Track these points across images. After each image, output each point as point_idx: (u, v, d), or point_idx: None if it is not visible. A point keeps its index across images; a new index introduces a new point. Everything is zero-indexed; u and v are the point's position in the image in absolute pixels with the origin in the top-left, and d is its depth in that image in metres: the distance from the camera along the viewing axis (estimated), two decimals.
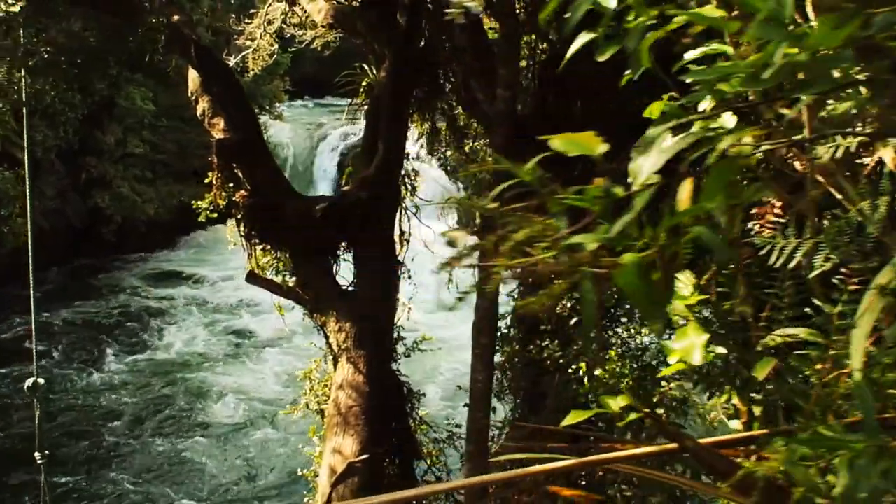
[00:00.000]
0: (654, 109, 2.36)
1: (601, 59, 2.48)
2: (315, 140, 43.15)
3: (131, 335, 27.98)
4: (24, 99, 10.54)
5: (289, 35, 16.65)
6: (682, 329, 2.21)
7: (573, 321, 6.98)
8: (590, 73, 7.30)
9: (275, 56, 16.28)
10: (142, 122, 34.51)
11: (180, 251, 36.77)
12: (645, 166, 1.98)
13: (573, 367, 6.88)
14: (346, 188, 11.07)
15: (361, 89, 12.63)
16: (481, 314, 6.55)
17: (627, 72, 2.49)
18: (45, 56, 8.39)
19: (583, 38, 2.46)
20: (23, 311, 29.02)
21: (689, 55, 2.44)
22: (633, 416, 2.68)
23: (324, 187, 41.31)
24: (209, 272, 33.77)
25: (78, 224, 33.62)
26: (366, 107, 13.11)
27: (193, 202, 11.38)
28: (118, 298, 31.03)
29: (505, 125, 6.19)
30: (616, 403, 2.46)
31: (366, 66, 12.48)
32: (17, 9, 7.87)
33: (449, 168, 42.08)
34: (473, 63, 10.09)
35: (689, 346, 2.15)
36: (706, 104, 2.24)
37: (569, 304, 6.98)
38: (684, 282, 2.08)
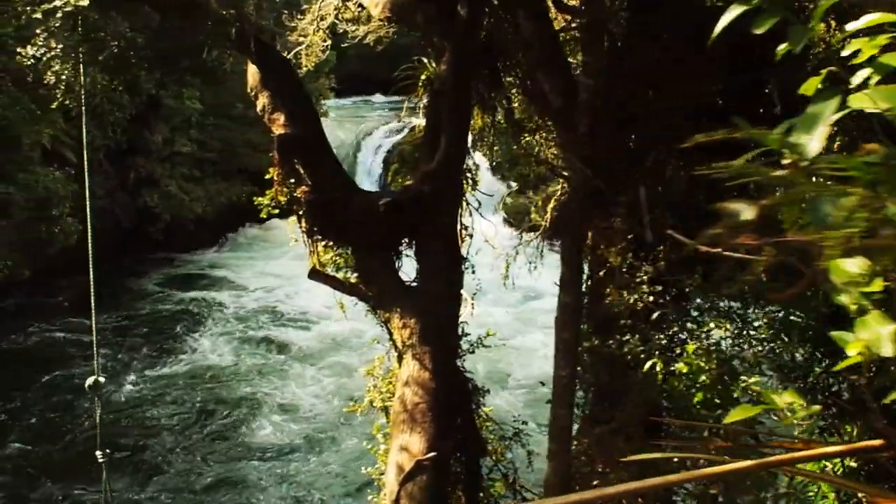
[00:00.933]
0: (809, 86, 2.25)
1: (759, 31, 2.36)
2: (358, 138, 43.16)
3: (175, 339, 28.02)
4: (82, 96, 10.47)
5: (341, 31, 16.54)
6: (862, 319, 2.06)
7: (654, 315, 6.82)
8: (655, 61, 7.17)
9: (326, 52, 16.14)
10: (188, 120, 34.68)
11: (226, 250, 36.92)
12: (812, 142, 2.00)
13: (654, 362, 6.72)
14: (407, 183, 10.92)
15: (420, 84, 12.49)
16: (565, 309, 6.40)
17: (783, 45, 2.39)
18: (115, 51, 8.28)
19: (736, 10, 2.37)
20: (70, 312, 29.30)
21: (851, 26, 2.31)
22: (814, 408, 2.53)
23: (367, 185, 41.30)
24: (251, 275, 33.91)
25: (126, 223, 33.80)
26: (424, 101, 13.02)
27: (255, 199, 11.26)
28: (164, 300, 31.14)
29: (588, 114, 6.03)
30: (782, 400, 2.31)
31: (425, 60, 12.33)
32: (85, 2, 7.80)
33: (494, 164, 42.01)
34: (540, 55, 9.95)
35: (875, 336, 2.01)
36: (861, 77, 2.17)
37: (650, 298, 6.83)
38: (860, 266, 1.93)
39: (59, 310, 29.27)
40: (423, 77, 12.68)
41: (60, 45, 8.55)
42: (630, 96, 9.16)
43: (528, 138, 14.20)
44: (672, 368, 6.90)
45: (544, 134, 13.16)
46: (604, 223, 8.99)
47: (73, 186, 29.47)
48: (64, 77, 8.88)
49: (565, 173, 14.86)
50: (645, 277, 6.94)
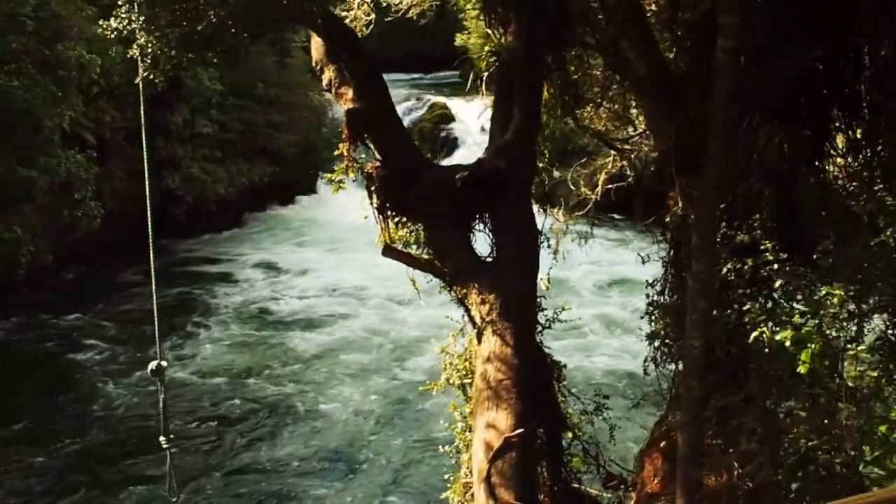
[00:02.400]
0: None
1: None
2: None
3: (196, 326, 27.84)
4: (140, 74, 10.21)
5: (384, 3, 16.26)
6: None
7: (777, 283, 6.66)
8: (743, 25, 6.97)
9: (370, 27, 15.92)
10: (209, 101, 34.46)
11: (249, 230, 36.81)
12: None
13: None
14: (481, 156, 10.72)
15: (483, 56, 12.31)
16: (698, 277, 6.23)
17: None
18: (214, 21, 8.05)
19: None
20: (99, 296, 29.19)
21: None
22: None
23: None
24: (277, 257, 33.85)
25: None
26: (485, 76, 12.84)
27: (323, 174, 11.09)
28: (195, 281, 31.03)
29: (728, 79, 5.83)
30: None
31: (490, 32, 12.15)
32: None
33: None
34: (624, 23, 9.75)
35: None
36: None
37: (776, 266, 6.67)
38: None
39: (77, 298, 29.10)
40: (485, 50, 12.51)
41: (143, 18, 8.31)
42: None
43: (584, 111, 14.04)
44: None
45: (609, 104, 13.02)
46: (695, 191, 8.81)
47: (95, 169, 29.29)
48: (150, 51, 8.62)
49: (625, 146, 14.77)
50: (769, 245, 6.78)
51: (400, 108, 42.91)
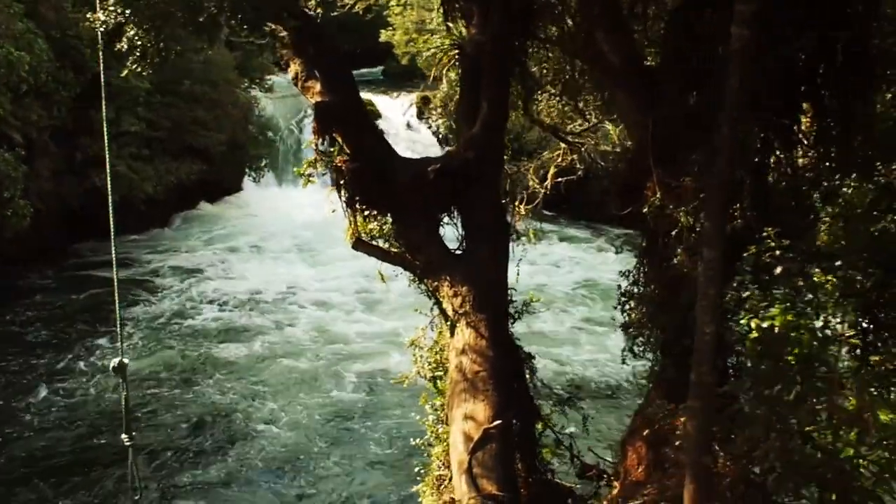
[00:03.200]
0: None
1: None
2: (304, 113, 42.76)
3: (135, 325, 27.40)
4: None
5: None
6: None
7: (777, 269, 6.79)
8: (725, 17, 7.09)
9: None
10: (136, 99, 33.82)
11: (177, 230, 36.41)
12: None
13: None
14: (450, 149, 10.75)
15: (444, 49, 12.34)
16: (709, 265, 6.33)
17: None
18: (212, 11, 7.95)
19: None
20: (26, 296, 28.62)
21: None
22: None
23: None
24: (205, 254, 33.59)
25: (75, 205, 32.92)
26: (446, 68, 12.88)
27: (295, 169, 11.03)
28: (125, 281, 30.47)
29: (740, 68, 5.91)
30: None
31: (450, 25, 12.17)
32: None
33: (441, 136, 41.62)
34: (599, 14, 9.84)
35: None
36: None
37: (778, 252, 6.80)
38: None
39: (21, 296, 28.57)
40: (444, 43, 12.54)
41: (129, 10, 8.19)
42: (692, 56, 9.13)
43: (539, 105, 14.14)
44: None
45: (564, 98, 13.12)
46: (674, 182, 8.95)
47: (24, 168, 28.70)
48: (140, 43, 8.50)
49: (576, 140, 14.90)
50: (771, 231, 6.89)
51: None
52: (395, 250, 10.67)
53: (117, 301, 10.77)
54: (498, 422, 9.11)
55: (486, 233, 10.36)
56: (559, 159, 15.54)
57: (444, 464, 10.62)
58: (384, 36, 38.79)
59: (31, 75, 28.61)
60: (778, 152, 8.91)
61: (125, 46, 8.83)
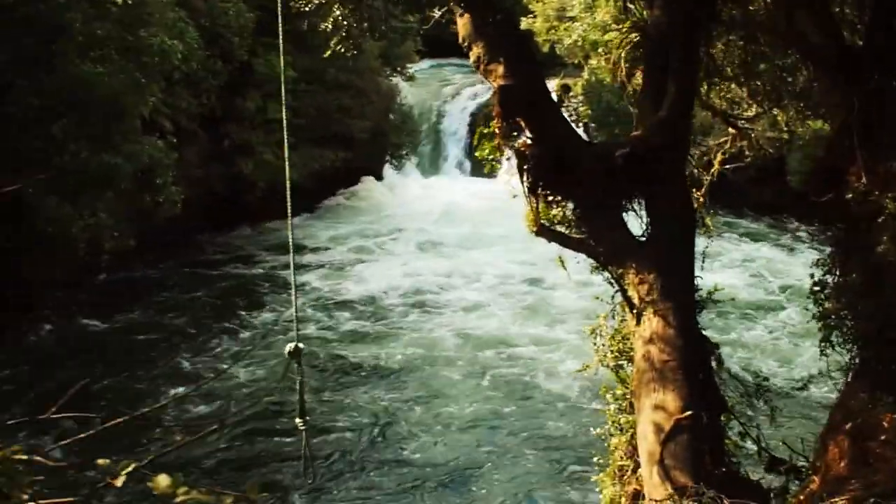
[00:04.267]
0: None
1: None
2: (442, 101, 42.85)
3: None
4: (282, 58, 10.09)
5: None
6: None
7: None
8: None
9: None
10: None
11: (321, 218, 36.74)
12: None
13: None
14: (636, 133, 10.51)
15: (625, 31, 12.09)
16: None
17: None
18: None
19: None
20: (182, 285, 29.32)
21: None
22: None
23: (454, 150, 41.07)
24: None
25: (221, 192, 33.57)
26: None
27: (477, 153, 10.89)
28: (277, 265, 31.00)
29: None
30: None
31: (630, 6, 11.93)
32: None
33: (581, 124, 40.90)
34: None
35: None
36: None
37: None
38: None
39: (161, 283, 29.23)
40: (625, 26, 12.29)
41: None
42: None
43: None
44: None
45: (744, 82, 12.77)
46: (881, 166, 8.61)
47: (175, 155, 29.30)
48: (345, 23, 8.52)
49: (748, 127, 14.49)
50: None
51: (465, 94, 43.03)
52: (578, 237, 10.51)
53: (294, 287, 10.84)
54: (689, 413, 8.93)
55: (673, 219, 10.13)
56: (728, 145, 15.14)
57: (626, 454, 10.46)
58: (524, 24, 38.62)
59: (183, 63, 29.11)
60: None
61: (329, 27, 8.84)
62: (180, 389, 21.64)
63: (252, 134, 34.22)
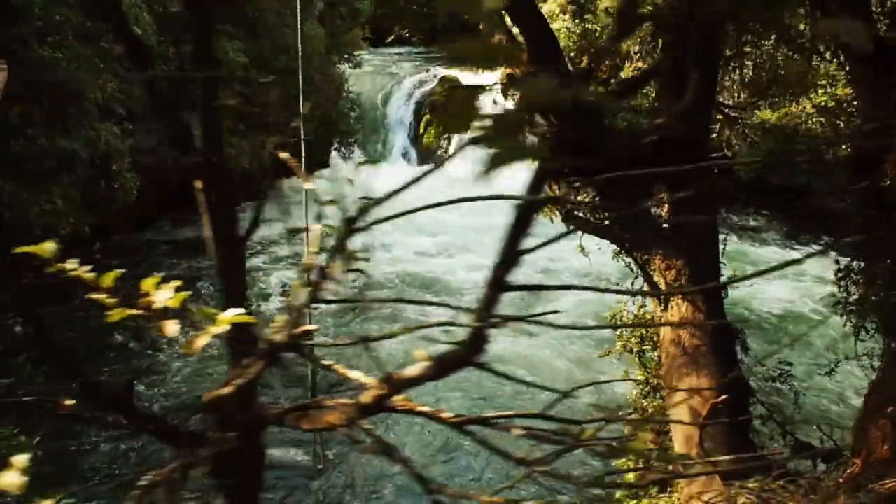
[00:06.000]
0: None
1: None
2: (387, 89, 42.72)
3: None
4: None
5: None
6: None
7: None
8: None
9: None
10: (233, 74, 33.92)
11: (271, 203, 36.44)
12: None
13: None
14: (660, 121, 10.62)
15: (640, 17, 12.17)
16: None
17: None
18: None
19: None
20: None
21: None
22: None
23: (400, 135, 40.98)
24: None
25: (172, 179, 33.22)
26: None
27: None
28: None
29: None
30: None
31: None
32: None
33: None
34: None
35: None
36: None
37: None
38: None
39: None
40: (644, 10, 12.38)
41: None
42: None
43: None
44: None
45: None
46: None
47: (130, 141, 28.90)
48: None
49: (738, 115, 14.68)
50: None
51: (409, 82, 42.91)
52: (600, 223, 10.61)
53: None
54: (725, 396, 9.07)
55: (698, 206, 10.26)
56: (715, 134, 15.33)
57: (650, 438, 10.60)
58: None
59: None
60: None
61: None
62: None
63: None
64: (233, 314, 2.55)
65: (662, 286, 9.87)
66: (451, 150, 39.22)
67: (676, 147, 10.08)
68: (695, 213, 10.20)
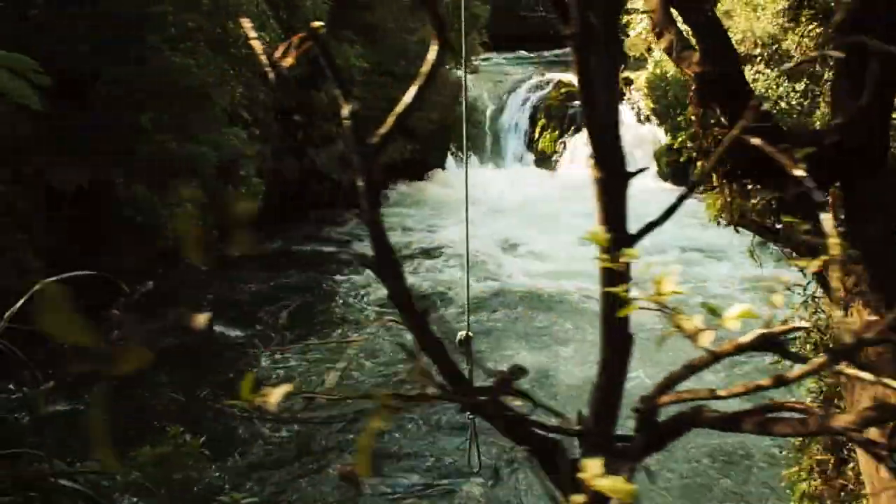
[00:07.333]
0: None
1: None
2: (504, 93, 42.76)
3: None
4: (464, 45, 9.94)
5: None
6: None
7: None
8: None
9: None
10: (353, 79, 34.24)
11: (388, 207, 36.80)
12: None
13: None
14: (837, 121, 10.31)
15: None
16: None
17: None
18: None
19: None
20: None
21: None
22: None
23: (514, 142, 40.98)
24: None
25: (293, 183, 33.61)
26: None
27: (671, 141, 10.78)
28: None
29: None
30: None
31: None
32: None
33: (643, 116, 40.38)
34: None
35: None
36: None
37: None
38: None
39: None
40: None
41: None
42: None
43: None
44: None
45: None
46: None
47: (257, 146, 29.28)
48: None
49: None
50: None
51: (526, 86, 42.89)
52: (772, 227, 10.38)
53: (468, 276, 10.69)
54: None
55: (878, 210, 9.95)
56: None
57: (824, 448, 10.33)
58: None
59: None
60: None
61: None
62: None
63: (324, 126, 34.20)
64: (739, 310, 2.43)
65: (841, 292, 9.59)
66: (565, 155, 39.23)
67: (856, 149, 9.82)
68: (877, 218, 9.93)
